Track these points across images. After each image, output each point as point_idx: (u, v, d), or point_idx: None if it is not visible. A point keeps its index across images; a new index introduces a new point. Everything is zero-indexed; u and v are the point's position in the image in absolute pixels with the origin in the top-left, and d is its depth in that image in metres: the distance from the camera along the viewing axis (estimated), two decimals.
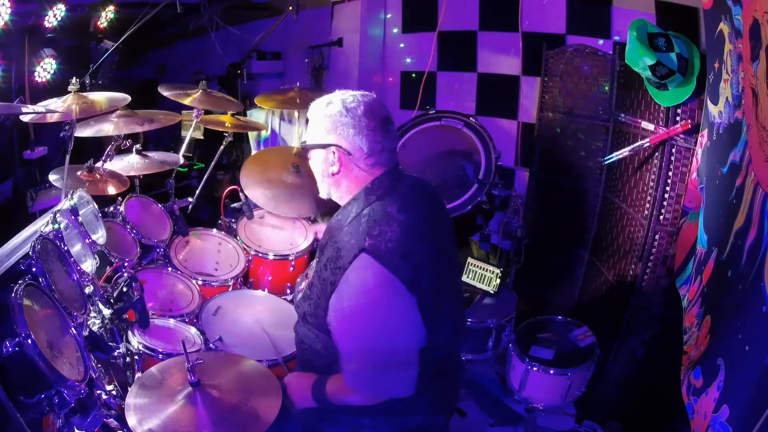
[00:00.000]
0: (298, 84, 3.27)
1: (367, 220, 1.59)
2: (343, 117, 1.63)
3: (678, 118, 2.47)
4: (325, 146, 1.67)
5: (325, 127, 1.66)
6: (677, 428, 2.44)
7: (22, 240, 1.93)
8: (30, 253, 1.64)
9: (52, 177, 2.52)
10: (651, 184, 2.66)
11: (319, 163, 1.72)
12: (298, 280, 2.02)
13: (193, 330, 2.27)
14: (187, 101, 3.00)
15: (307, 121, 1.77)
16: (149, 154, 2.96)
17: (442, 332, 1.65)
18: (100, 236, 2.11)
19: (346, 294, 1.57)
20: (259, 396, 1.66)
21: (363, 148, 1.64)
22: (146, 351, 2.03)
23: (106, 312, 1.93)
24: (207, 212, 4.04)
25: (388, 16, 4.41)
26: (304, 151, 1.76)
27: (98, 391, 1.66)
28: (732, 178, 1.77)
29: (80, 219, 2.02)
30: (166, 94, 3.02)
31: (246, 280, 2.84)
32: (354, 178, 1.68)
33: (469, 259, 3.04)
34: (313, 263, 1.86)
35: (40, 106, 2.39)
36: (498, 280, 2.96)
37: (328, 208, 2.86)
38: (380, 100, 1.72)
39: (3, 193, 3.89)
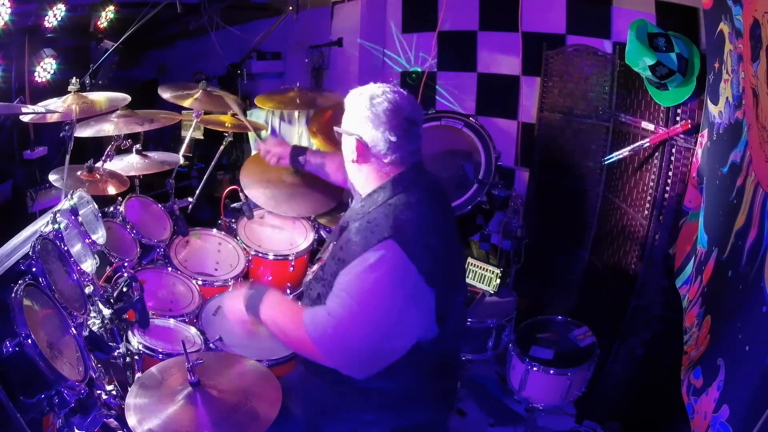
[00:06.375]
0: (297, 84, 3.26)
1: (393, 208, 1.62)
2: (365, 110, 1.66)
3: (678, 118, 2.47)
4: (349, 134, 1.71)
5: (354, 116, 1.70)
6: (677, 428, 2.44)
7: (22, 240, 1.93)
8: (30, 253, 1.64)
9: (52, 177, 2.51)
10: (651, 184, 2.66)
11: (344, 148, 1.76)
12: (309, 266, 2.02)
13: (193, 330, 2.27)
14: (186, 103, 3.00)
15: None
16: (149, 154, 2.96)
17: (448, 327, 1.66)
18: (100, 236, 2.11)
19: (359, 270, 1.57)
20: (259, 396, 1.66)
21: (380, 143, 1.67)
22: (146, 351, 2.03)
23: (106, 312, 1.93)
24: (207, 212, 4.03)
25: (388, 16, 4.40)
26: (336, 135, 1.80)
27: (98, 391, 1.66)
28: (732, 178, 1.77)
29: (80, 219, 2.02)
30: (166, 96, 3.02)
31: (246, 280, 2.83)
32: (375, 169, 1.71)
33: (469, 259, 3.03)
34: (329, 247, 1.87)
35: (40, 106, 2.39)
36: (498, 280, 2.96)
37: (328, 209, 2.86)
38: (411, 98, 1.71)
39: (3, 193, 3.88)
